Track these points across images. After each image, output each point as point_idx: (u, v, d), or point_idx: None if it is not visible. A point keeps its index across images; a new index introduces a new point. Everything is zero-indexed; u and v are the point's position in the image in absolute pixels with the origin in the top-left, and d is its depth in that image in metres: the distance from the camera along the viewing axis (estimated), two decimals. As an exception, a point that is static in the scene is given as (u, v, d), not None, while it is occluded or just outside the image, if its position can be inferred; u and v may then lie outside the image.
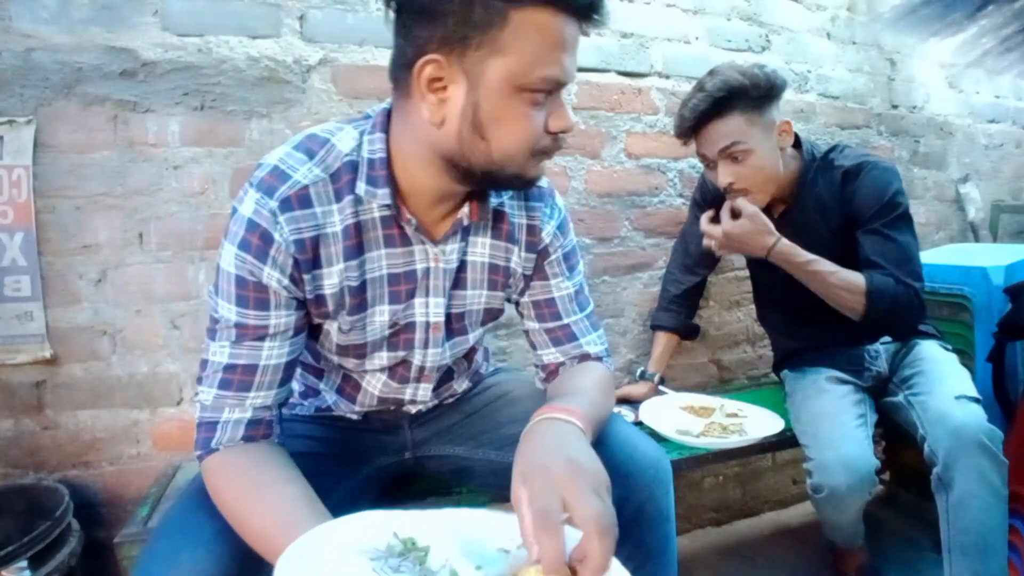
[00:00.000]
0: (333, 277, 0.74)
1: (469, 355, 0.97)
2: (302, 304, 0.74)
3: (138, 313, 1.24)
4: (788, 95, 1.81)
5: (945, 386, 1.21)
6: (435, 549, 0.56)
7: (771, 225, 1.26)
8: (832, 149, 1.34)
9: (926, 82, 2.12)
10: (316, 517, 0.60)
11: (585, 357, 0.89)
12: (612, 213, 1.64)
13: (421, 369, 0.87)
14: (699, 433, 1.29)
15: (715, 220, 1.32)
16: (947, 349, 1.37)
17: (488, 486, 0.98)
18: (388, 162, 0.72)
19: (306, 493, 0.65)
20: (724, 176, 1.26)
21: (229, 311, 0.69)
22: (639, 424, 1.31)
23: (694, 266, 1.55)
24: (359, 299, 0.77)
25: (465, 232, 0.81)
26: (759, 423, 1.34)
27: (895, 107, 2.06)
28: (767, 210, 1.37)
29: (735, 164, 1.25)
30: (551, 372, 0.91)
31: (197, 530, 0.65)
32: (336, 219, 0.72)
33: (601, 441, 0.77)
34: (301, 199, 0.69)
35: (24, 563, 0.98)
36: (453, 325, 0.85)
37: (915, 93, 2.10)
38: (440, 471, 1.01)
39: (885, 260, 1.23)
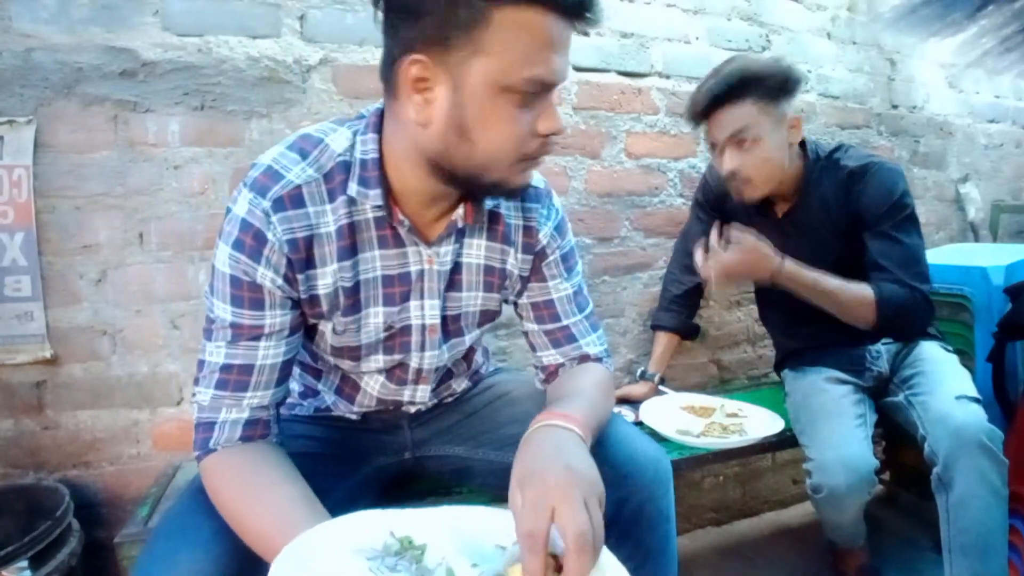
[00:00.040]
0: (327, 277, 0.74)
1: (468, 355, 0.97)
2: (297, 304, 0.74)
3: (138, 313, 1.24)
4: (788, 95, 1.81)
5: (946, 386, 1.21)
6: (431, 547, 0.57)
7: (770, 247, 1.23)
8: (836, 149, 1.34)
9: (926, 82, 2.12)
10: (314, 517, 0.60)
11: (585, 358, 0.89)
12: (612, 213, 1.64)
13: (419, 371, 0.86)
14: (699, 433, 1.29)
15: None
16: (948, 350, 1.37)
17: (488, 486, 0.98)
18: (381, 163, 0.72)
19: (304, 493, 0.65)
20: (729, 162, 1.24)
21: (224, 311, 0.69)
22: (639, 424, 1.31)
23: (693, 267, 1.54)
24: (353, 300, 0.77)
25: (460, 234, 0.80)
26: (759, 423, 1.34)
27: (895, 107, 2.06)
28: (771, 210, 1.37)
29: (742, 152, 1.23)
30: (551, 373, 0.90)
31: (196, 530, 0.65)
32: (330, 219, 0.72)
33: (601, 441, 0.77)
34: (294, 199, 0.69)
35: (24, 563, 0.98)
36: (449, 327, 0.85)
37: (915, 93, 2.10)
38: (440, 471, 1.01)
39: (892, 263, 1.22)
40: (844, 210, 1.29)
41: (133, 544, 0.94)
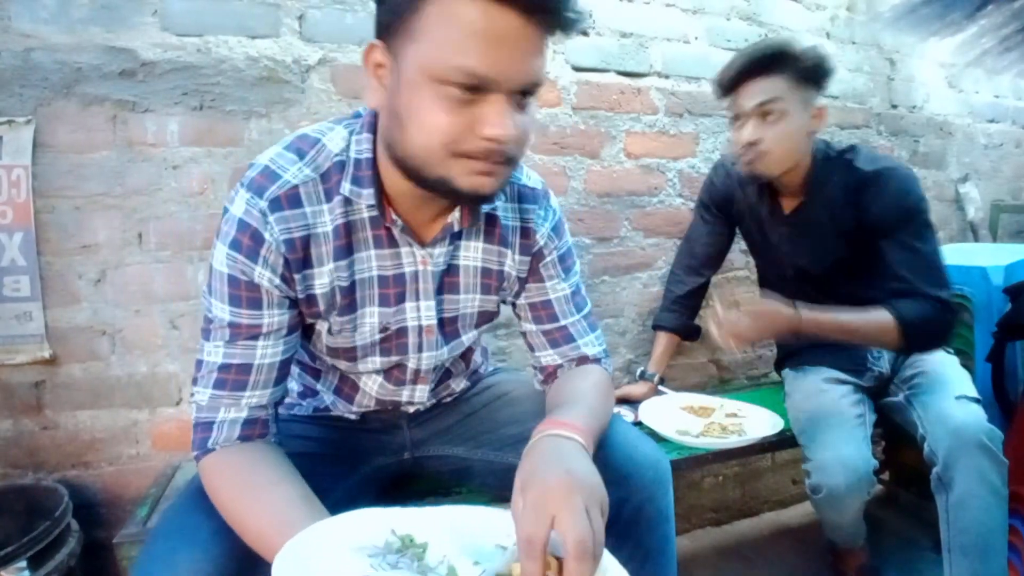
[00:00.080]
0: (324, 277, 0.73)
1: (466, 355, 0.97)
2: (295, 303, 0.74)
3: (137, 313, 1.24)
4: (788, 95, 1.81)
5: (946, 387, 1.21)
6: (433, 545, 0.57)
7: (781, 303, 1.19)
8: (848, 149, 1.32)
9: (926, 82, 2.12)
10: (314, 516, 0.60)
11: (583, 359, 0.89)
12: (611, 213, 1.64)
13: (416, 372, 0.86)
14: (699, 433, 1.29)
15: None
16: (948, 351, 1.37)
17: (487, 486, 0.98)
18: (374, 162, 0.72)
19: (303, 492, 0.65)
20: (751, 132, 1.22)
21: (222, 311, 0.69)
22: (639, 424, 1.31)
23: (699, 267, 1.54)
24: (349, 300, 0.76)
25: (456, 236, 0.80)
26: (759, 423, 1.34)
27: (895, 107, 2.06)
28: (777, 206, 1.35)
29: (766, 124, 1.21)
30: (549, 374, 0.90)
31: (194, 531, 0.65)
32: (327, 219, 0.72)
33: (601, 442, 0.76)
34: (291, 199, 0.69)
35: (23, 563, 0.98)
36: (446, 328, 0.85)
37: (915, 93, 2.10)
38: (439, 471, 1.01)
39: (912, 272, 1.21)
40: (853, 213, 1.27)
41: (132, 544, 0.94)
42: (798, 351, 1.47)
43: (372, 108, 0.68)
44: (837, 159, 1.30)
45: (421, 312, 0.81)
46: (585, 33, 1.54)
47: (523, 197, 0.84)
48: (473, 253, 0.82)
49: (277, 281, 0.70)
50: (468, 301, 0.84)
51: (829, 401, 1.27)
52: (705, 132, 1.73)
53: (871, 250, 1.29)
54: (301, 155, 0.71)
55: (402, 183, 0.70)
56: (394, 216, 0.73)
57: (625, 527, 0.76)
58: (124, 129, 1.20)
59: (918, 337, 1.20)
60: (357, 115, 0.76)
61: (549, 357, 0.89)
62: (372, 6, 0.81)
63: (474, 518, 0.61)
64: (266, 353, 0.71)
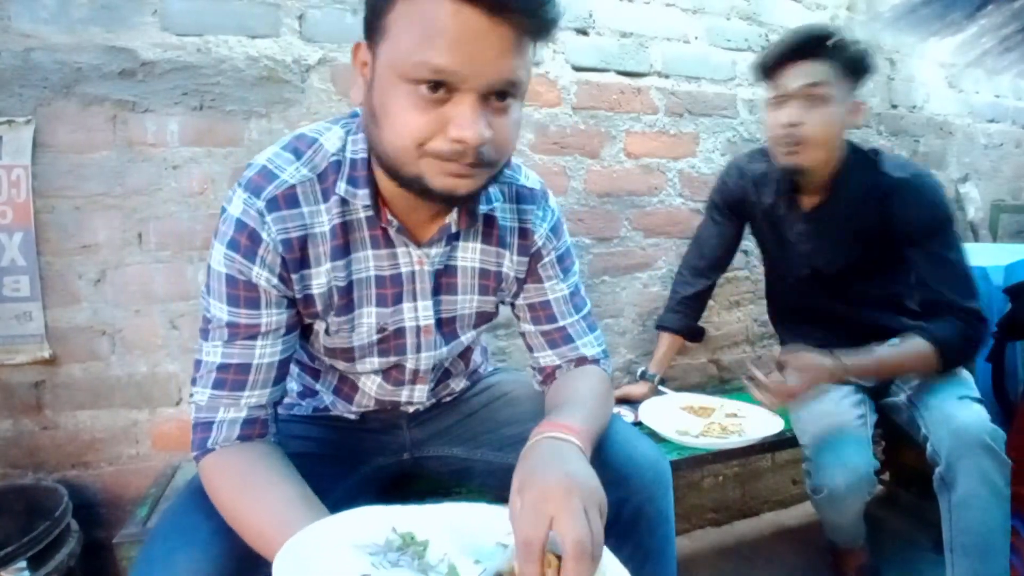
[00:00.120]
0: (321, 277, 0.73)
1: (466, 355, 0.97)
2: (293, 302, 0.74)
3: (137, 313, 1.24)
4: (788, 95, 1.81)
5: (948, 387, 1.21)
6: (433, 543, 0.57)
7: (820, 356, 1.17)
8: (874, 152, 1.29)
9: (926, 82, 2.12)
10: (313, 515, 0.60)
11: (582, 360, 0.88)
12: (611, 213, 1.64)
13: (415, 372, 0.86)
14: (699, 433, 1.29)
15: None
16: None
17: (487, 487, 0.98)
18: (369, 162, 0.72)
19: (303, 492, 0.65)
20: (794, 115, 1.18)
21: (221, 310, 0.69)
22: (639, 424, 1.31)
23: (706, 269, 1.53)
24: (346, 300, 0.76)
25: (454, 237, 0.80)
26: (759, 423, 1.34)
27: (895, 107, 2.06)
28: (797, 203, 1.33)
29: (809, 108, 1.18)
30: (548, 375, 0.90)
31: (193, 531, 0.65)
32: (324, 219, 0.72)
33: (600, 442, 0.77)
34: (288, 199, 0.69)
35: (23, 563, 0.98)
36: (444, 329, 0.85)
37: (915, 93, 2.10)
38: (439, 471, 1.01)
39: (943, 283, 1.21)
40: (877, 218, 1.25)
41: (132, 544, 0.94)
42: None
43: (356, 106, 0.68)
44: (863, 160, 1.28)
45: (419, 312, 0.80)
46: (585, 33, 1.54)
47: (521, 198, 0.84)
48: (471, 254, 0.82)
49: (275, 281, 0.70)
50: (466, 302, 0.84)
51: (830, 402, 1.27)
52: (705, 132, 1.73)
53: (888, 254, 1.29)
54: (298, 155, 0.71)
55: (390, 183, 0.70)
56: (389, 216, 0.73)
57: (625, 528, 0.76)
58: (124, 129, 1.20)
59: (956, 357, 1.21)
60: (354, 115, 0.76)
61: (548, 358, 0.89)
62: (372, 6, 0.79)
63: (475, 516, 0.61)
64: (265, 353, 0.71)
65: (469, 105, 0.59)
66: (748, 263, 1.81)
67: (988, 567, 1.06)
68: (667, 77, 1.66)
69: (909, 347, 1.20)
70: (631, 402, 1.45)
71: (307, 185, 0.71)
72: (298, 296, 0.73)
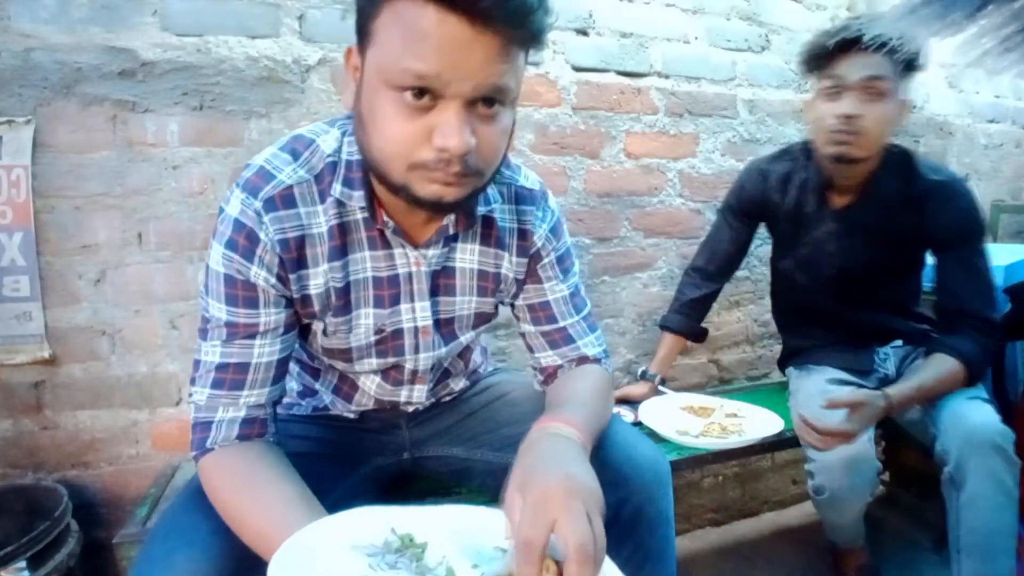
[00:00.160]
0: (319, 277, 0.74)
1: (465, 355, 0.97)
2: (291, 302, 0.74)
3: (137, 313, 1.24)
4: (787, 95, 1.81)
5: None
6: (432, 546, 0.56)
7: (874, 396, 1.13)
8: (908, 153, 1.27)
9: (926, 82, 2.11)
10: (312, 515, 0.60)
11: (583, 360, 0.88)
12: (611, 213, 1.64)
13: (414, 372, 0.86)
14: (699, 433, 1.28)
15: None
16: None
17: (487, 487, 0.98)
18: (365, 164, 0.71)
19: (302, 491, 0.65)
20: (853, 107, 1.15)
21: (219, 310, 0.69)
22: (638, 424, 1.31)
23: (715, 273, 1.51)
24: (343, 301, 0.76)
25: (452, 239, 0.80)
26: (758, 423, 1.34)
27: (895, 107, 2.06)
28: (827, 201, 1.32)
29: (868, 101, 1.15)
30: (549, 375, 0.90)
31: (193, 530, 0.65)
32: (321, 219, 0.72)
33: (600, 443, 0.77)
34: (285, 199, 0.70)
35: (23, 563, 0.98)
36: (443, 329, 0.85)
37: (915, 93, 2.10)
38: (439, 471, 1.01)
39: (968, 292, 1.20)
40: (911, 220, 1.24)
41: (132, 544, 0.94)
42: (803, 350, 1.46)
43: (347, 110, 0.68)
44: (898, 160, 1.26)
45: (416, 313, 0.80)
46: (585, 33, 1.54)
47: (520, 198, 0.84)
48: (469, 255, 0.82)
49: (273, 280, 0.70)
50: (464, 303, 0.84)
51: (824, 399, 1.27)
52: (705, 132, 1.73)
53: (911, 257, 1.28)
54: (296, 156, 0.71)
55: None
56: (385, 218, 0.73)
57: (624, 528, 0.76)
58: (124, 129, 1.20)
59: (981, 370, 1.20)
60: (351, 116, 0.76)
61: (549, 358, 0.89)
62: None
63: (474, 519, 0.60)
64: (263, 352, 0.71)
65: (454, 112, 0.58)
66: (748, 263, 1.81)
67: (994, 567, 1.06)
68: (667, 77, 1.66)
69: (942, 369, 1.17)
70: (631, 402, 1.45)
71: (304, 186, 0.71)
72: (296, 296, 0.74)
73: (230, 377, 0.70)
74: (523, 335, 0.92)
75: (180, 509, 0.70)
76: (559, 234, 0.88)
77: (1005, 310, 1.47)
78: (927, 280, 1.39)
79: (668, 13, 1.64)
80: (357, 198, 0.71)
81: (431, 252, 0.78)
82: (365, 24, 0.61)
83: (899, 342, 1.40)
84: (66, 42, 1.15)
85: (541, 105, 1.52)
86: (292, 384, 0.95)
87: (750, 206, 1.43)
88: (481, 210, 0.79)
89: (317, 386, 0.93)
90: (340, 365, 0.85)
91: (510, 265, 0.84)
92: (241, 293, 0.69)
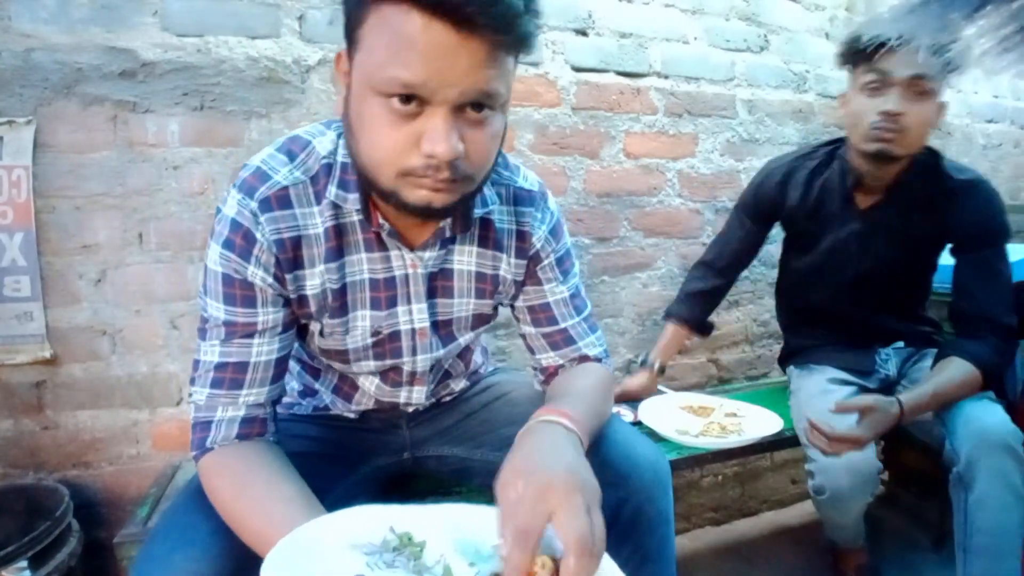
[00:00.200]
0: (315, 278, 0.74)
1: (465, 356, 0.97)
2: (289, 301, 0.74)
3: (138, 313, 1.25)
4: (787, 95, 1.82)
5: None
6: (430, 544, 0.56)
7: (881, 398, 1.12)
8: (935, 153, 1.25)
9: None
10: (312, 514, 0.60)
11: (584, 359, 0.88)
12: (611, 213, 1.65)
13: (412, 374, 0.86)
14: (698, 433, 1.29)
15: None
16: None
17: (487, 487, 0.96)
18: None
19: (302, 491, 0.65)
20: (899, 103, 1.12)
21: (218, 309, 0.70)
22: (638, 424, 1.31)
23: (723, 269, 1.50)
24: (340, 303, 0.76)
25: (449, 241, 0.79)
26: (758, 423, 1.34)
27: (894, 107, 2.06)
28: (853, 201, 1.30)
29: (915, 99, 1.12)
30: (550, 375, 0.90)
31: (193, 530, 0.65)
32: (318, 221, 0.72)
33: (599, 442, 0.77)
34: (280, 200, 0.70)
35: (24, 563, 0.98)
36: (441, 331, 0.85)
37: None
38: (439, 471, 1.01)
39: (987, 296, 1.19)
40: (935, 220, 1.23)
41: (133, 544, 0.94)
42: (804, 349, 1.46)
43: (337, 116, 0.68)
44: (926, 159, 1.24)
45: (413, 315, 0.80)
46: (584, 33, 1.55)
47: (519, 200, 0.83)
48: (467, 257, 0.81)
49: (270, 280, 0.71)
50: (462, 305, 0.84)
51: (833, 403, 1.27)
52: (704, 132, 1.73)
53: (931, 258, 1.27)
54: (292, 157, 0.72)
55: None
56: (381, 220, 0.73)
57: (624, 528, 0.76)
58: (124, 129, 1.20)
59: (996, 375, 1.19)
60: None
61: (549, 359, 0.89)
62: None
63: (473, 518, 0.60)
64: (262, 351, 0.71)
65: (441, 118, 0.58)
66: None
67: (1001, 567, 1.05)
68: (666, 77, 1.66)
69: (958, 375, 1.15)
70: (631, 400, 1.44)
71: (300, 187, 0.71)
72: (292, 296, 0.74)
73: (229, 376, 0.70)
74: (523, 336, 0.92)
75: (180, 509, 0.70)
76: (558, 235, 0.87)
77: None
78: (940, 282, 1.38)
79: (667, 13, 1.64)
80: (352, 200, 0.71)
81: (427, 254, 0.77)
82: (352, 30, 0.61)
83: (900, 343, 1.40)
84: (66, 42, 1.15)
85: (541, 105, 1.52)
86: (293, 384, 0.95)
87: (766, 204, 1.41)
88: (478, 212, 0.79)
89: (317, 386, 0.93)
90: (338, 366, 0.85)
91: (508, 267, 0.84)
92: (239, 292, 0.70)
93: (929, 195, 1.23)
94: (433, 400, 0.96)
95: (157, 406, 1.27)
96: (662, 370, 1.49)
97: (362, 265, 0.76)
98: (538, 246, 0.84)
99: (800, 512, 1.88)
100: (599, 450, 0.76)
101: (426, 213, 0.65)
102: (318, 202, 0.72)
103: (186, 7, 1.21)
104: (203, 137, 1.25)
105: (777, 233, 1.51)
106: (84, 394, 1.23)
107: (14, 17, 1.12)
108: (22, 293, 1.17)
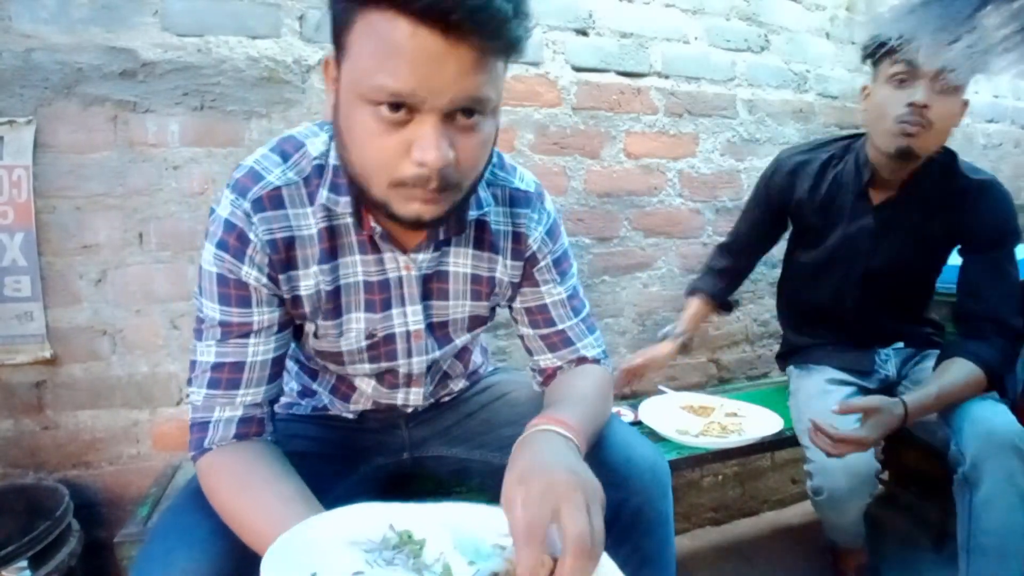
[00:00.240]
0: (309, 279, 0.73)
1: (464, 356, 0.96)
2: (284, 301, 0.74)
3: (138, 313, 1.25)
4: (787, 95, 1.82)
5: None
6: (431, 542, 0.56)
7: (886, 399, 1.11)
8: (951, 153, 1.24)
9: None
10: (311, 513, 0.60)
11: (582, 360, 0.88)
12: (611, 213, 1.65)
13: (409, 376, 0.86)
14: (698, 432, 1.29)
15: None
16: None
17: (487, 487, 0.98)
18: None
19: (300, 490, 0.65)
20: (925, 95, 1.11)
21: (213, 310, 0.70)
22: (638, 424, 1.32)
23: (736, 252, 1.51)
24: (333, 305, 0.76)
25: (444, 243, 0.79)
26: (758, 423, 1.34)
27: (894, 107, 2.06)
28: (866, 195, 1.29)
29: (940, 93, 1.11)
30: (548, 376, 0.90)
31: (192, 530, 0.65)
32: (311, 222, 0.72)
33: (599, 444, 0.77)
34: (273, 200, 0.70)
35: (24, 563, 0.98)
36: (437, 332, 0.84)
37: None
38: (438, 471, 1.01)
39: (994, 296, 1.18)
40: (947, 219, 1.22)
41: (133, 544, 0.94)
42: (803, 348, 1.46)
43: (327, 121, 0.67)
44: (942, 158, 1.23)
45: (408, 318, 0.80)
46: (585, 33, 1.55)
47: (515, 201, 0.83)
48: (462, 260, 0.81)
49: (264, 280, 0.71)
50: (458, 307, 0.84)
51: (833, 404, 1.26)
52: (705, 132, 1.73)
53: (940, 258, 1.27)
54: (285, 158, 0.72)
55: None
56: (373, 224, 0.72)
57: (623, 530, 0.76)
58: (125, 129, 1.20)
59: (1001, 376, 1.18)
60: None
61: (548, 360, 0.89)
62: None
63: (474, 517, 0.60)
64: (258, 351, 0.71)
65: (431, 126, 0.57)
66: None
67: (1005, 568, 1.05)
68: (667, 77, 1.66)
69: (962, 376, 1.14)
70: (631, 399, 1.44)
71: (293, 188, 0.71)
72: (287, 297, 0.74)
73: (226, 377, 0.70)
74: (521, 337, 0.91)
75: (180, 509, 0.70)
76: (555, 236, 0.86)
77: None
78: (942, 282, 1.38)
79: (668, 13, 1.64)
80: (344, 204, 0.71)
81: (421, 256, 0.77)
82: (339, 36, 0.60)
83: (900, 344, 1.40)
84: (67, 42, 1.15)
85: (541, 105, 1.52)
86: (292, 384, 0.95)
87: (776, 194, 1.40)
88: (474, 214, 0.78)
89: (315, 386, 0.93)
90: (333, 367, 0.85)
91: (504, 269, 0.83)
92: (234, 292, 0.70)
93: (943, 194, 1.22)
94: (432, 401, 0.96)
95: (157, 406, 1.28)
96: (686, 344, 1.47)
97: (356, 267, 0.76)
98: (534, 247, 0.84)
99: (800, 512, 1.88)
100: (598, 452, 0.76)
101: (417, 225, 0.65)
102: (311, 203, 0.71)
103: (186, 7, 1.21)
104: (203, 137, 1.25)
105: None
106: (84, 394, 1.23)
107: (14, 17, 1.12)
108: (22, 293, 1.17)
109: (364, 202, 0.67)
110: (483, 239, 0.81)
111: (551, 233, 0.85)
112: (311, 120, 1.28)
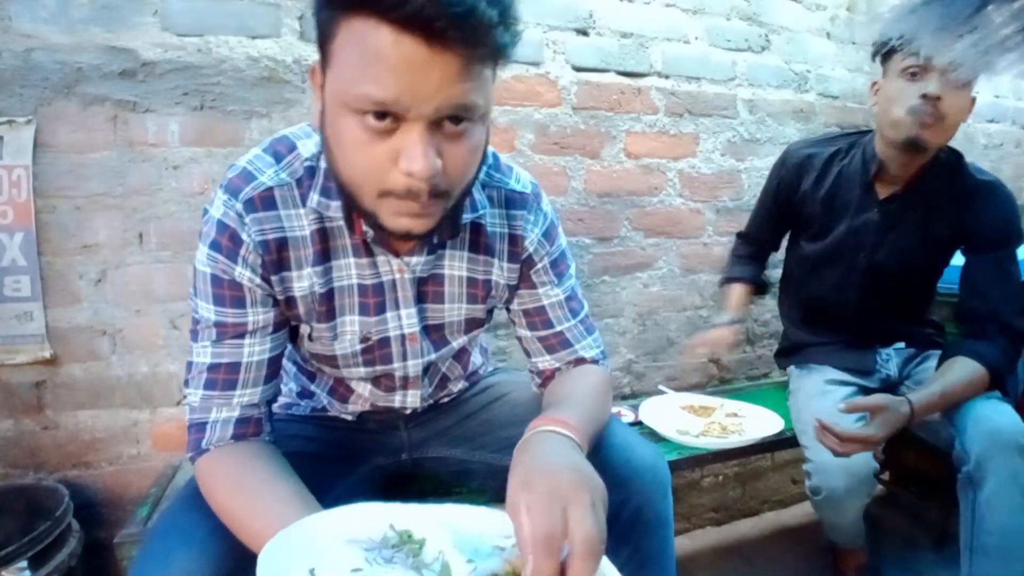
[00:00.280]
0: (303, 280, 0.73)
1: (462, 357, 0.96)
2: (279, 301, 0.74)
3: (138, 313, 1.25)
4: (788, 95, 1.81)
5: None
6: (430, 542, 0.56)
7: (892, 398, 1.11)
8: (958, 153, 1.25)
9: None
10: (309, 513, 0.59)
11: (581, 361, 0.87)
12: (611, 213, 1.64)
13: (405, 379, 0.86)
14: (699, 433, 1.29)
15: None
16: None
17: (487, 488, 0.97)
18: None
19: (299, 490, 0.65)
20: (938, 87, 1.11)
21: (208, 311, 0.70)
22: (639, 424, 1.32)
23: (751, 238, 1.53)
24: (327, 307, 0.76)
25: (438, 246, 0.78)
26: (759, 423, 1.34)
27: (895, 107, 2.06)
28: (872, 189, 1.29)
29: (952, 86, 1.11)
30: (547, 377, 0.89)
31: (191, 530, 0.65)
32: (304, 223, 0.71)
33: (598, 445, 0.76)
34: (265, 201, 0.69)
35: (24, 563, 0.98)
36: (432, 335, 0.84)
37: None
38: (438, 472, 1.01)
39: (997, 296, 1.19)
40: (952, 218, 1.23)
41: (133, 544, 0.94)
42: (804, 347, 1.46)
43: (315, 129, 0.67)
44: (949, 156, 1.24)
45: (403, 320, 0.80)
46: (585, 33, 1.54)
47: (511, 202, 0.82)
48: (458, 263, 0.80)
49: (258, 280, 0.70)
50: (454, 310, 0.83)
51: (832, 403, 1.26)
52: (705, 132, 1.73)
53: (943, 257, 1.27)
54: (278, 158, 0.71)
55: None
56: (364, 227, 0.72)
57: (623, 531, 0.75)
58: (125, 129, 1.20)
59: (1003, 377, 1.19)
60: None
61: (546, 362, 0.88)
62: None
63: (474, 517, 0.60)
64: (253, 351, 0.71)
65: (417, 135, 0.56)
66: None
67: (1008, 568, 1.05)
68: (667, 77, 1.66)
69: (966, 375, 1.14)
70: (630, 396, 1.43)
71: (285, 189, 0.70)
72: (280, 298, 0.73)
73: (222, 377, 0.70)
74: (519, 339, 0.91)
75: (179, 509, 0.70)
76: (552, 238, 0.85)
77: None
78: (944, 282, 1.38)
79: (668, 13, 1.64)
80: (335, 208, 0.71)
81: (415, 260, 0.76)
82: (324, 44, 0.59)
83: (901, 344, 1.40)
84: (67, 42, 1.15)
85: (541, 105, 1.52)
86: (291, 385, 0.95)
87: (784, 186, 1.41)
88: (468, 217, 0.77)
89: (313, 388, 0.93)
90: (328, 370, 0.85)
91: (500, 271, 0.83)
92: (228, 293, 0.69)
93: (949, 193, 1.23)
94: (431, 402, 0.96)
95: (157, 406, 1.28)
96: (740, 321, 1.47)
97: (349, 270, 0.75)
98: (531, 249, 0.83)
99: (801, 512, 1.88)
100: (598, 453, 0.75)
101: (407, 238, 0.64)
102: (303, 205, 0.71)
103: (186, 7, 1.21)
104: (203, 137, 1.25)
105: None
106: (84, 394, 1.23)
107: (14, 17, 1.12)
108: (22, 293, 1.17)
109: (354, 208, 0.66)
110: (478, 242, 0.80)
111: (548, 234, 0.85)
112: (311, 119, 1.29)
